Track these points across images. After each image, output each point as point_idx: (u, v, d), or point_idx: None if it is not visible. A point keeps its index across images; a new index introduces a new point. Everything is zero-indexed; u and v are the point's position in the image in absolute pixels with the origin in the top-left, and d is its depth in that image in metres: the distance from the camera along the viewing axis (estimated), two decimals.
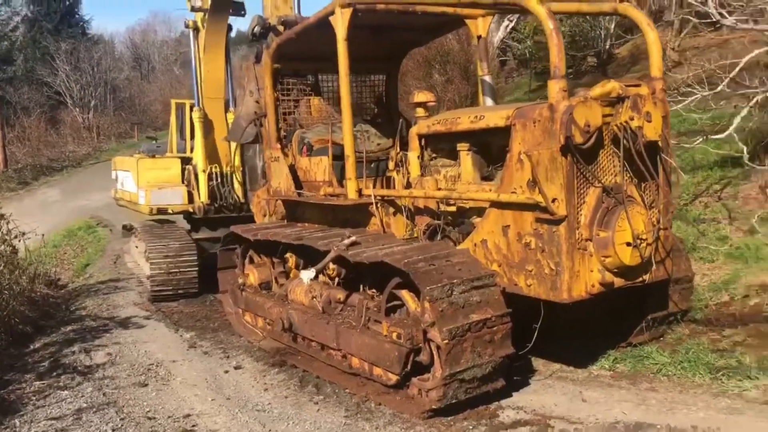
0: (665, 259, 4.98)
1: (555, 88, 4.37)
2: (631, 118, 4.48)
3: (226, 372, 6.25)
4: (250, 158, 9.86)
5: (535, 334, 4.88)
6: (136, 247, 11.34)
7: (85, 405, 5.37)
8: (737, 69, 6.23)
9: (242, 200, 10.01)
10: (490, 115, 5.09)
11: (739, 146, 6.74)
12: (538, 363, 5.69)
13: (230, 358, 6.68)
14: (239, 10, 9.63)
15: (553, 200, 4.40)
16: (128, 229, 11.81)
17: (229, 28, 9.93)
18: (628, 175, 4.69)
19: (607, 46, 17.76)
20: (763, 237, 6.04)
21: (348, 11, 5.58)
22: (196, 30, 9.94)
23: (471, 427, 4.54)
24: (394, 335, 4.85)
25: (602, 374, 5.32)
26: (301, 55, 7.15)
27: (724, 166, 7.72)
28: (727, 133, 6.43)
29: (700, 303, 5.73)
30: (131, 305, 9.23)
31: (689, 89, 6.44)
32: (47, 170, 27.09)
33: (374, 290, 5.49)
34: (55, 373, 6.24)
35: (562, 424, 4.44)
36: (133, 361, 6.60)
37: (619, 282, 4.69)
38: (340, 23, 5.62)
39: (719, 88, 6.40)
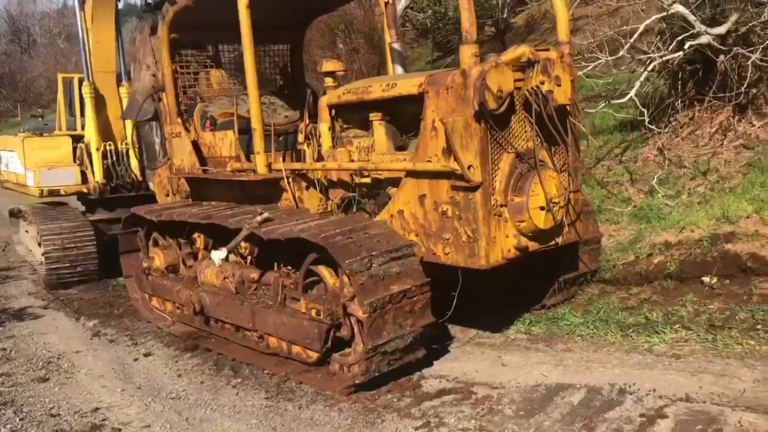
0: (575, 222, 5.08)
1: (467, 53, 4.30)
2: (542, 83, 4.46)
3: (136, 360, 5.94)
4: (146, 134, 9.41)
5: (455, 302, 4.88)
6: (27, 231, 10.71)
7: None
8: (636, 34, 6.42)
9: (140, 178, 9.54)
10: (402, 83, 4.99)
11: (639, 110, 6.97)
12: (455, 330, 5.72)
13: (138, 345, 6.36)
14: None
15: (469, 167, 4.34)
16: (16, 214, 11.01)
17: None
18: (540, 139, 4.69)
19: (504, 15, 18.03)
20: (663, 197, 6.29)
21: None
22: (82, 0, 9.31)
23: (396, 400, 4.50)
24: (313, 312, 4.75)
25: (519, 338, 5.42)
26: (199, 25, 6.77)
27: (624, 130, 7.99)
28: (627, 97, 6.63)
29: (608, 264, 5.92)
30: (25, 295, 8.63)
31: (593, 55, 6.58)
32: None
33: (290, 268, 5.32)
34: None
35: (485, 389, 4.47)
36: (31, 355, 6.15)
37: (533, 246, 4.75)
38: None
39: (620, 54, 6.58)
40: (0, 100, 33.09)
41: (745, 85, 6.36)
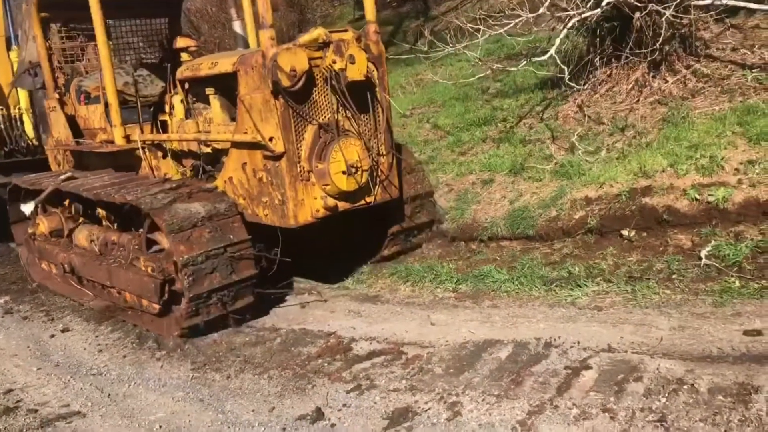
0: (389, 181, 5.63)
1: (264, 37, 4.79)
2: (334, 62, 4.94)
3: (52, 336, 5.68)
4: (39, 100, 8.83)
5: (277, 260, 5.32)
6: None
7: None
8: None
9: (36, 143, 9.41)
10: (223, 61, 5.44)
11: (559, 68, 7.04)
12: (383, 292, 5.74)
13: (55, 321, 6.09)
14: None
15: (270, 139, 4.90)
16: None
17: None
18: (344, 110, 5.18)
19: None
20: (583, 153, 6.41)
21: None
22: None
23: (326, 364, 4.47)
24: (149, 269, 5.24)
25: (447, 296, 5.45)
26: (67, 3, 6.67)
27: (544, 88, 8.08)
28: (548, 55, 6.68)
29: (531, 221, 6.00)
30: None
31: (514, 12, 6.57)
32: None
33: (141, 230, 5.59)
34: None
35: (414, 349, 4.49)
36: None
37: (343, 205, 5.29)
38: None
39: (540, 11, 6.60)
40: None
41: (660, 41, 6.50)
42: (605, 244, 5.50)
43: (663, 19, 6.31)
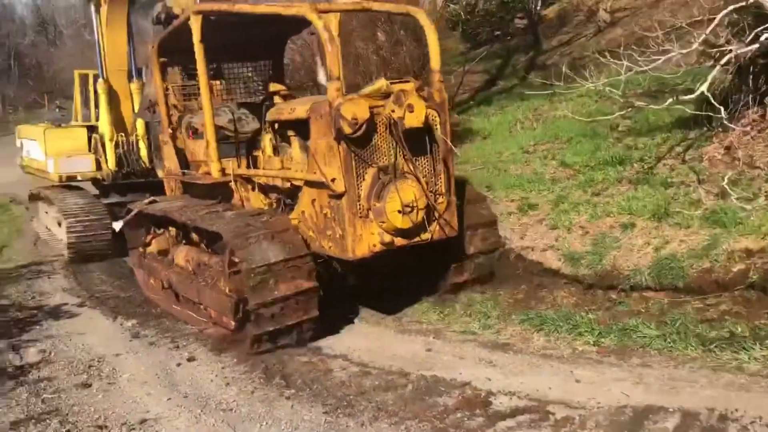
0: (447, 219, 5.85)
1: (331, 88, 5.30)
2: (393, 111, 5.32)
3: (179, 365, 5.68)
4: (154, 128, 9.83)
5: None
6: (46, 213, 11.58)
7: (22, 416, 4.68)
8: (713, 25, 5.99)
9: (149, 166, 10.43)
10: (299, 108, 5.95)
11: (705, 106, 6.55)
12: (514, 340, 5.43)
13: (180, 348, 6.09)
14: None
15: (333, 179, 5.36)
16: (37, 197, 11.85)
17: (131, 1, 10.51)
18: (403, 154, 5.50)
19: (538, 7, 17.57)
20: (737, 200, 5.88)
21: (200, 18, 6.42)
22: (98, 4, 10.27)
23: (466, 419, 4.19)
24: (227, 289, 5.81)
25: (588, 350, 5.07)
26: (185, 48, 6.87)
27: (683, 127, 7.57)
28: (698, 92, 6.21)
29: (680, 271, 5.53)
30: (60, 291, 8.42)
31: (666, 48, 6.17)
32: None
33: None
34: None
35: (563, 410, 4.14)
36: (71, 358, 5.92)
37: (400, 242, 5.59)
38: (195, 28, 6.44)
39: (694, 47, 6.16)
40: (28, 92, 33.16)
41: None
42: None
43: None
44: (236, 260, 5.65)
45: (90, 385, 5.27)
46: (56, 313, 7.40)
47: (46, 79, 35.36)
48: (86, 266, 9.68)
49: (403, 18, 9.19)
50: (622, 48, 7.54)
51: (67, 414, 4.70)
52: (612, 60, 6.56)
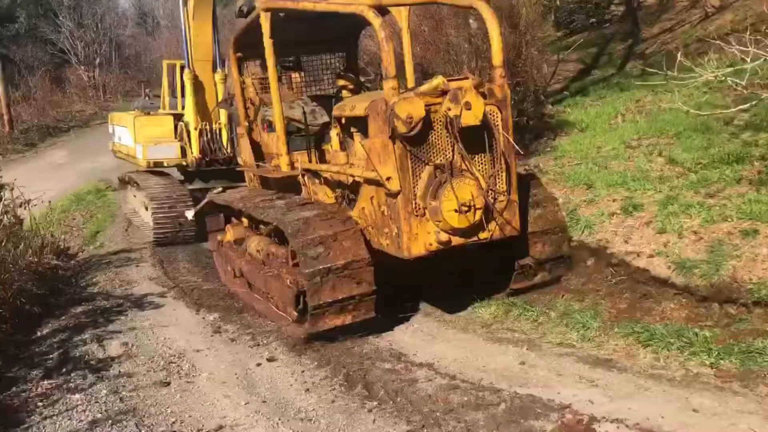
0: (508, 219, 5.64)
1: (387, 86, 5.22)
2: (449, 109, 5.19)
3: (259, 365, 5.49)
4: (235, 117, 9.86)
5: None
6: (134, 196, 12.19)
7: (99, 415, 4.60)
8: None
9: (231, 154, 10.74)
10: (359, 105, 5.88)
11: None
12: (617, 356, 4.91)
13: (261, 346, 5.91)
14: None
15: (388, 178, 5.29)
16: (126, 181, 12.45)
17: None
18: (460, 152, 5.36)
19: None
20: None
21: (269, 14, 6.50)
22: None
23: None
24: (288, 280, 5.95)
25: (704, 373, 4.51)
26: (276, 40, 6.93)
27: None
28: None
29: None
30: (146, 280, 8.48)
31: None
32: (54, 131, 26.07)
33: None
34: (64, 369, 5.49)
35: None
36: (152, 353, 5.85)
37: (457, 241, 5.45)
38: (264, 25, 6.53)
39: None
40: (126, 80, 34.35)
41: None
42: None
43: None
44: (296, 252, 5.74)
45: (169, 384, 5.16)
46: (141, 303, 7.42)
47: (143, 69, 36.61)
48: (173, 255, 9.78)
49: (497, 3, 8.69)
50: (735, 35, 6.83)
51: (144, 415, 4.58)
52: (736, 46, 5.86)
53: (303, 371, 5.26)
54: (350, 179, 6.21)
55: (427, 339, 5.82)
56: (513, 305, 6.22)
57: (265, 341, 6.02)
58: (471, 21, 9.11)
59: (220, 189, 7.88)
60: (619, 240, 6.39)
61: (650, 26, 15.68)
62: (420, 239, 5.37)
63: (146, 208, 11.05)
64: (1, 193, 8.13)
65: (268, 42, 6.60)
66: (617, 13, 17.33)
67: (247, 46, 7.68)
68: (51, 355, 5.87)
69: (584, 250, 6.60)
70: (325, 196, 6.75)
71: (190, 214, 9.63)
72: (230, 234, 7.95)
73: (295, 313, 5.92)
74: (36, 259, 8.32)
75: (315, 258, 5.50)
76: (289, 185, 7.20)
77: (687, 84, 8.49)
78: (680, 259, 5.74)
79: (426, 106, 5.17)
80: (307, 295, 5.51)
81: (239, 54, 7.94)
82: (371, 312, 5.66)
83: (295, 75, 8.39)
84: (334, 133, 6.69)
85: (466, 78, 5.44)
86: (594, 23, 17.59)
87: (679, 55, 6.16)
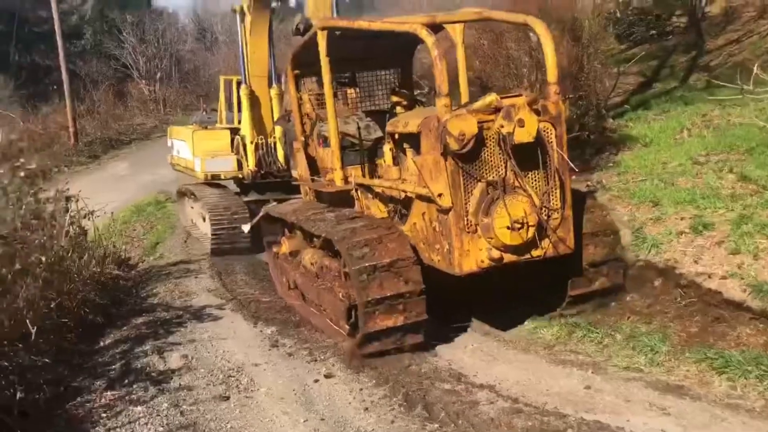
0: (561, 236, 5.60)
1: (440, 104, 5.25)
2: (502, 126, 5.18)
3: (316, 381, 5.45)
4: (290, 131, 9.99)
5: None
6: (191, 207, 12.52)
7: (161, 429, 4.64)
8: None
9: (285, 167, 10.70)
10: (411, 122, 5.90)
11: None
12: (689, 383, 4.69)
13: (318, 362, 5.88)
14: None
15: (439, 195, 5.32)
16: (184, 193, 12.78)
17: (273, 11, 11.13)
18: (513, 169, 5.33)
19: (703, 3, 16.05)
20: None
21: (325, 33, 6.64)
22: (243, 14, 10.84)
23: None
24: (340, 294, 6.04)
25: None
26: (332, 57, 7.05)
27: None
28: None
29: None
30: (204, 292, 8.57)
31: None
32: (116, 143, 26.83)
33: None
34: (126, 381, 5.56)
35: None
36: (212, 366, 5.87)
37: (509, 258, 5.42)
38: (321, 43, 6.67)
39: None
40: (185, 94, 35.17)
41: None
42: None
43: None
44: (346, 263, 5.79)
45: (228, 398, 5.16)
46: (200, 315, 7.49)
47: (202, 83, 37.43)
48: (231, 267, 9.88)
49: (559, 16, 8.55)
50: None
51: (204, 430, 4.59)
52: None
53: (361, 389, 5.20)
54: (402, 194, 6.25)
55: (487, 359, 5.68)
56: (576, 326, 6.04)
57: (322, 357, 5.99)
58: (531, 34, 8.97)
59: (274, 204, 8.08)
60: (688, 260, 6.14)
61: (714, 38, 15.23)
62: (471, 256, 5.36)
63: (204, 219, 11.34)
64: (68, 205, 8.35)
65: (324, 60, 6.72)
66: (679, 25, 16.87)
67: (304, 63, 7.82)
68: (114, 366, 5.96)
69: (651, 270, 6.36)
70: (378, 210, 6.80)
71: (246, 228, 9.86)
72: (286, 246, 8.03)
73: (348, 327, 5.96)
74: (99, 270, 8.52)
75: (361, 257, 5.57)
76: (343, 198, 7.26)
77: (763, 98, 8.20)
78: (756, 281, 5.47)
79: (479, 123, 5.18)
80: (356, 293, 5.56)
81: (296, 71, 8.09)
82: (423, 314, 5.62)
83: (350, 90, 8.49)
84: (387, 148, 6.77)
85: (520, 95, 5.46)
86: (654, 35, 17.17)
87: (755, 67, 5.90)
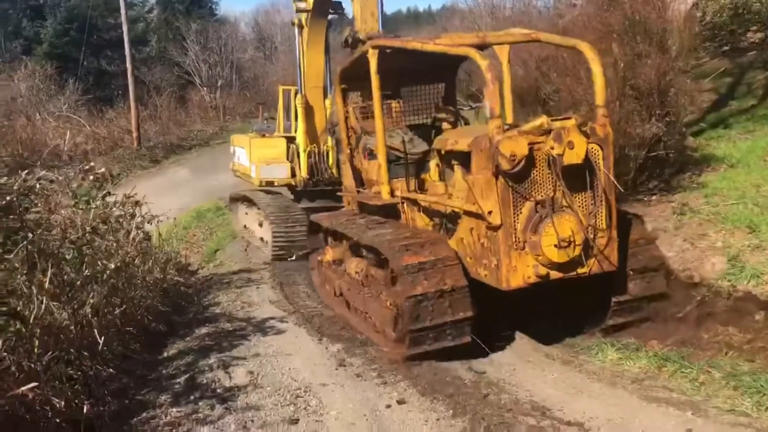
0: (607, 255, 5.72)
1: (492, 125, 5.40)
2: (552, 148, 5.34)
3: (388, 407, 5.14)
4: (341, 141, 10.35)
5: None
6: (246, 213, 12.87)
7: None
8: None
9: (336, 175, 11.07)
10: (461, 141, 6.14)
11: None
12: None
13: (389, 385, 5.57)
14: (338, 9, 11.03)
15: (489, 212, 5.48)
16: (238, 199, 13.21)
17: (329, 24, 11.31)
18: (561, 189, 5.47)
19: None
20: None
21: (376, 51, 6.89)
22: (301, 27, 11.15)
23: None
24: (387, 302, 6.16)
25: None
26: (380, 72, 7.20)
27: None
28: None
29: None
30: (267, 303, 8.38)
31: None
32: (177, 149, 27.26)
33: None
34: (192, 397, 5.34)
35: None
36: (278, 384, 5.63)
37: (555, 275, 5.56)
38: (372, 61, 6.90)
39: None
40: (245, 102, 35.59)
41: None
42: None
43: None
44: (394, 271, 5.95)
45: (297, 421, 4.90)
46: (263, 327, 7.28)
47: (261, 92, 37.81)
48: (292, 278, 9.70)
49: (646, 28, 8.12)
50: None
51: None
52: None
53: (438, 419, 4.87)
54: (448, 209, 6.38)
55: (571, 392, 5.29)
56: (666, 360, 5.61)
57: (392, 379, 5.68)
58: (614, 46, 8.55)
59: (327, 214, 8.47)
60: None
61: None
62: (519, 271, 5.51)
63: (260, 225, 11.68)
64: (135, 210, 8.29)
65: (375, 77, 6.92)
66: (755, 41, 16.09)
67: (352, 78, 8.04)
68: (178, 379, 5.77)
69: (751, 302, 5.89)
70: (423, 223, 6.94)
71: (293, 258, 10.41)
72: (330, 254, 8.15)
73: (393, 334, 6.06)
74: (161, 276, 8.44)
75: (414, 283, 5.68)
76: (387, 211, 7.41)
77: None
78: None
79: (529, 144, 5.33)
80: (406, 318, 5.67)
81: (343, 85, 8.28)
82: (468, 311, 5.76)
83: (393, 104, 8.59)
84: (433, 163, 7.02)
85: (569, 118, 5.58)
86: (727, 51, 16.42)
87: None
